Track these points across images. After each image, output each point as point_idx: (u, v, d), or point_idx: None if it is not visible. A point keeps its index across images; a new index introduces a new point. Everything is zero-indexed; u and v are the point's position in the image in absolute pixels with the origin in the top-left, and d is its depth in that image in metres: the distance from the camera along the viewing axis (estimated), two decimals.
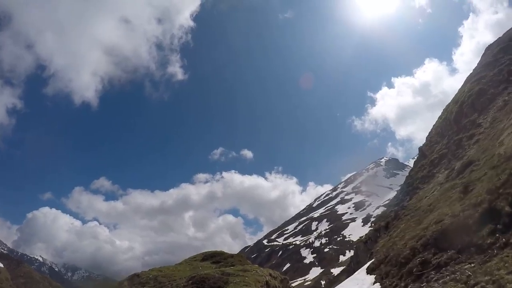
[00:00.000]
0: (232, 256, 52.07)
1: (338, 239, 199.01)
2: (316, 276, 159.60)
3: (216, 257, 51.74)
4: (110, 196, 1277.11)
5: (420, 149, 47.14)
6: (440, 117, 48.30)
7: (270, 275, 42.66)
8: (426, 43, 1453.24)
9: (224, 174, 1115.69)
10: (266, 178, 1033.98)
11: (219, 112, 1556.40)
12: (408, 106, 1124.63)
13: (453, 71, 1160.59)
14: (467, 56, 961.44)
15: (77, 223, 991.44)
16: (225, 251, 53.63)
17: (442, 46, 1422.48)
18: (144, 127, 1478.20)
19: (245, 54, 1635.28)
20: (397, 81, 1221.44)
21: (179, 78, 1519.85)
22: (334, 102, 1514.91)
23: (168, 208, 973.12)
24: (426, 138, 48.93)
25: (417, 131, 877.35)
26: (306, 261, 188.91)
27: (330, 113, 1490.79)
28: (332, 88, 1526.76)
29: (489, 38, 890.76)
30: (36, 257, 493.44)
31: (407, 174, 48.84)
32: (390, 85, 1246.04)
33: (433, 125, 48.96)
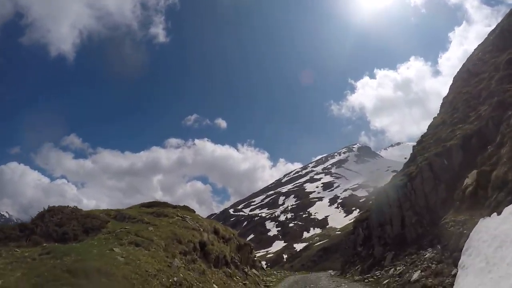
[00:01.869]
0: (175, 207, 32.23)
1: (304, 215, 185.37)
2: (279, 250, 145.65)
3: (154, 207, 32.32)
4: (79, 154, 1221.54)
5: (467, 70, 30.61)
6: (487, 38, 36.75)
7: (216, 231, 24.03)
8: (415, 41, 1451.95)
9: (197, 141, 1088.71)
10: (238, 150, 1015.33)
11: (197, 79, 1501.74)
12: (387, 98, 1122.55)
13: (436, 73, 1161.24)
14: (453, 61, 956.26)
15: (45, 179, 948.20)
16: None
17: (430, 47, 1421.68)
18: (119, 86, 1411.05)
19: (230, 27, 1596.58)
20: (380, 73, 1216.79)
21: (161, 40, 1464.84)
22: (315, 84, 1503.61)
23: (137, 170, 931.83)
24: (466, 63, 36.32)
25: (392, 124, 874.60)
26: (270, 233, 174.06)
27: (309, 94, 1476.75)
28: (314, 69, 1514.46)
29: None
30: (2, 213, 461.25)
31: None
32: (372, 76, 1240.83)
33: (475, 49, 37.98)
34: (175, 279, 12.24)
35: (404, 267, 20.17)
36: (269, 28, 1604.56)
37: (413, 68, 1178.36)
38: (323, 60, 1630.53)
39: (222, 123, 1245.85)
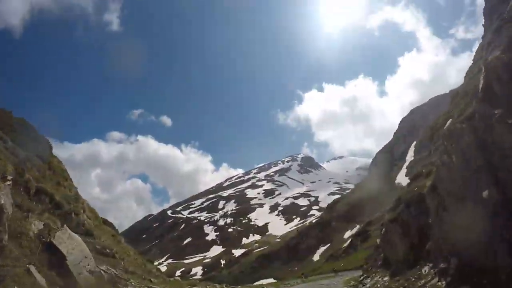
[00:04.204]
0: None
1: (244, 221, 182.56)
2: (217, 255, 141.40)
3: None
4: None
5: None
6: None
7: None
8: (365, 61, 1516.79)
9: (140, 137, 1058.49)
10: (181, 150, 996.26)
11: (145, 73, 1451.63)
12: (333, 113, 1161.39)
13: (383, 93, 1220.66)
14: (399, 85, 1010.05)
15: None
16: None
17: (379, 69, 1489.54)
18: (66, 71, 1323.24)
19: (188, 25, 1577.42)
20: (328, 87, 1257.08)
21: (114, 29, 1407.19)
22: (263, 91, 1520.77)
23: (76, 162, 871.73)
24: None
25: (335, 138, 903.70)
26: (208, 238, 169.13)
27: (257, 101, 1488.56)
28: (264, 77, 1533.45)
29: (424, 76, 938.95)
30: None
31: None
32: (320, 89, 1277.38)
33: None
34: None
35: None
36: (226, 31, 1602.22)
37: (361, 86, 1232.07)
38: (274, 69, 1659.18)
39: (167, 120, 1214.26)
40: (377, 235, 75.26)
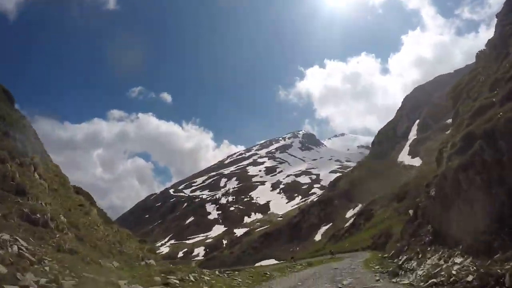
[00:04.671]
0: None
1: (245, 199, 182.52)
2: (219, 235, 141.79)
3: None
4: None
5: None
6: None
7: None
8: (368, 38, 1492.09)
9: (140, 115, 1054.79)
10: (182, 127, 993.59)
11: (144, 49, 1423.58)
12: (335, 89, 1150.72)
13: (385, 71, 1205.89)
14: (402, 63, 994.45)
15: None
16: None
17: (382, 46, 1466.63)
18: (62, 51, 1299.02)
19: (186, 1, 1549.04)
20: (330, 63, 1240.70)
21: (110, 8, 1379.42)
22: (265, 67, 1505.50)
23: (77, 143, 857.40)
24: None
25: (337, 114, 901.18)
26: (210, 217, 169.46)
27: (258, 77, 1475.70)
28: (266, 53, 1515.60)
29: (428, 55, 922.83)
30: None
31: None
32: (322, 65, 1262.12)
33: None
34: None
35: None
36: (224, 8, 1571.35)
37: (364, 62, 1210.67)
38: (275, 45, 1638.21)
39: (167, 97, 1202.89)
40: (380, 215, 74.08)
